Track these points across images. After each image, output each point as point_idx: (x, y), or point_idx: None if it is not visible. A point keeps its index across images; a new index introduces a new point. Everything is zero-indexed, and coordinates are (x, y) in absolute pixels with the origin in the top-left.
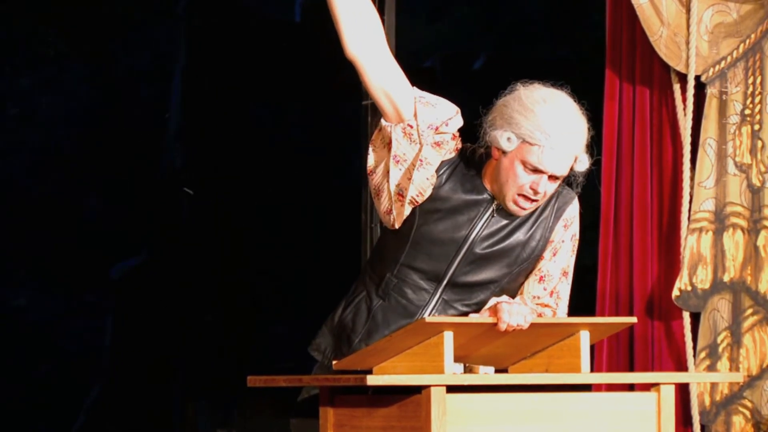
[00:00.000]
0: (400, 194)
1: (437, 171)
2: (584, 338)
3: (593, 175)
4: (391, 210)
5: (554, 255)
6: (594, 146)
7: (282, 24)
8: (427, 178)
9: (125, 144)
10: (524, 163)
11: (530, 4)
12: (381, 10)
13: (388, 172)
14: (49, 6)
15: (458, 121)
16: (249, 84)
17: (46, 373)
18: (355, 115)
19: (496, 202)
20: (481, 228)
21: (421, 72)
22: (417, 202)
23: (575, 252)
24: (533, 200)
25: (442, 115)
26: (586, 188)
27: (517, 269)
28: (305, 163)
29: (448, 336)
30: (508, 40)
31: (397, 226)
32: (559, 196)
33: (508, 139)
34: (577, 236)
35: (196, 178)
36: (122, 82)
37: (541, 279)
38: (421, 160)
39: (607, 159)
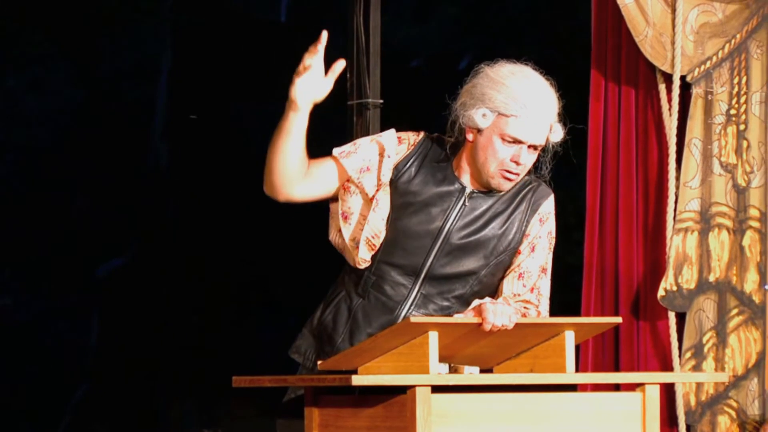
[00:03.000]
0: (355, 242)
1: (404, 165)
2: (569, 338)
3: (579, 174)
4: (353, 255)
5: (532, 251)
6: (566, 116)
7: (268, 24)
8: (383, 219)
9: (111, 143)
10: (502, 137)
11: (516, 5)
12: (366, 10)
13: (340, 230)
14: (34, 6)
15: (389, 137)
16: (235, 84)
17: (31, 373)
18: (341, 115)
19: (468, 191)
20: (455, 218)
21: (407, 72)
22: (374, 245)
23: (552, 250)
24: (515, 173)
25: (367, 152)
26: (572, 188)
27: (494, 261)
28: None
29: (433, 336)
30: (493, 40)
31: (362, 266)
32: (535, 190)
33: (483, 115)
34: (554, 234)
35: (182, 177)
36: (108, 82)
37: (520, 276)
38: (377, 200)
39: (593, 159)
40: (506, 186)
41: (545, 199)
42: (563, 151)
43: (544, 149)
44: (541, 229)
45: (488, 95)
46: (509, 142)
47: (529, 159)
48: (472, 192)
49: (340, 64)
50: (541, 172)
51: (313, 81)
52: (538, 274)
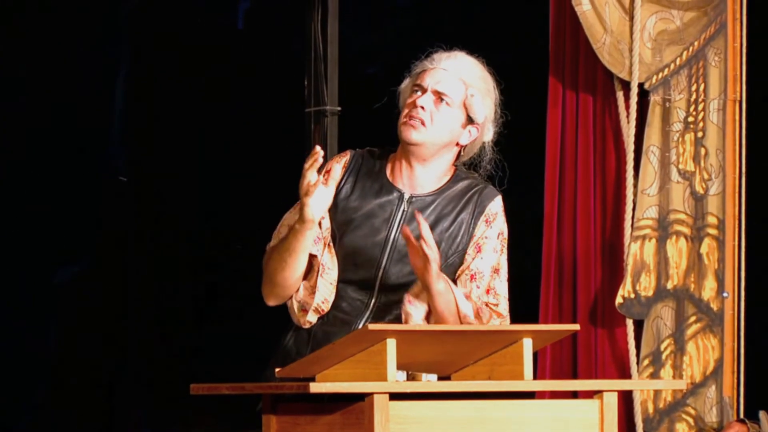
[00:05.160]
0: (304, 309)
1: (341, 185)
2: (527, 345)
3: (536, 181)
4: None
5: (479, 252)
6: (506, 113)
7: (225, 30)
8: (331, 283)
9: (68, 149)
10: (411, 89)
11: (473, 12)
12: (324, 18)
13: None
14: None
15: (311, 174)
16: (192, 90)
17: None
18: (298, 122)
19: (407, 197)
20: (399, 226)
21: (364, 79)
22: (323, 310)
23: (505, 251)
24: (417, 117)
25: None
26: (530, 195)
27: (443, 263)
28: (249, 170)
29: (391, 343)
30: (450, 46)
31: (305, 327)
32: (481, 192)
33: (405, 83)
34: (505, 235)
35: (140, 182)
36: (64, 87)
37: (472, 277)
38: (322, 265)
39: (551, 166)
40: (410, 134)
41: (491, 200)
42: (520, 157)
43: (482, 150)
44: (487, 229)
45: (411, 69)
46: (415, 91)
47: (431, 105)
48: (411, 197)
49: (334, 176)
50: (479, 170)
51: (319, 194)
52: (491, 274)
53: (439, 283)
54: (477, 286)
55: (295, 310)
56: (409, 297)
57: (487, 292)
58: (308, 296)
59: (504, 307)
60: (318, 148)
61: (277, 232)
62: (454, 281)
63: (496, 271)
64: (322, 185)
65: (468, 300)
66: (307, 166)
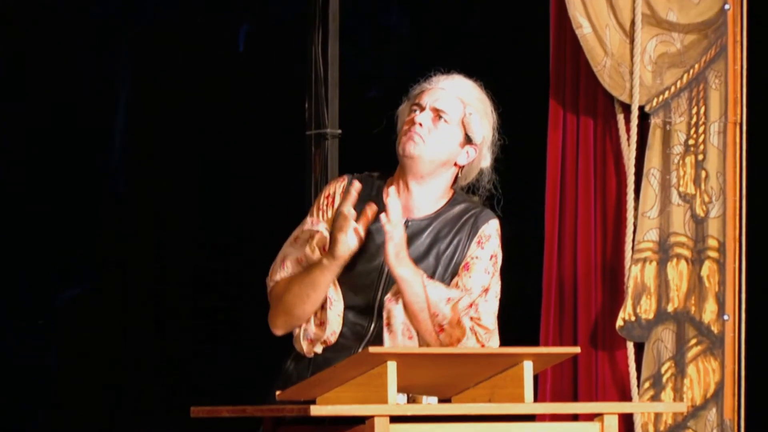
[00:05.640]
0: (311, 340)
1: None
2: (528, 368)
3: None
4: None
5: (467, 270)
6: (503, 137)
7: (226, 53)
8: (338, 315)
9: (69, 171)
10: (409, 108)
11: (473, 33)
12: (324, 40)
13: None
14: None
15: (318, 209)
16: (193, 113)
17: None
18: (299, 145)
19: (402, 221)
20: None
21: (365, 102)
22: (330, 341)
23: (497, 275)
24: (415, 133)
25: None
26: (530, 217)
27: None
28: (250, 193)
29: (392, 366)
30: (450, 69)
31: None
32: (477, 216)
33: (403, 105)
34: (499, 259)
35: (140, 205)
36: (66, 111)
37: None
38: (329, 298)
39: (551, 189)
40: (408, 147)
41: (486, 222)
42: (521, 180)
43: (481, 175)
44: (478, 250)
45: (409, 92)
46: (413, 110)
47: (429, 121)
48: (407, 221)
49: (372, 209)
50: (479, 193)
51: (352, 231)
52: (480, 293)
53: (400, 267)
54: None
55: (302, 339)
56: (390, 295)
57: (470, 306)
58: (318, 328)
59: (489, 321)
60: (357, 183)
61: (281, 265)
62: None
63: (486, 291)
64: (353, 221)
65: (448, 304)
66: (343, 202)
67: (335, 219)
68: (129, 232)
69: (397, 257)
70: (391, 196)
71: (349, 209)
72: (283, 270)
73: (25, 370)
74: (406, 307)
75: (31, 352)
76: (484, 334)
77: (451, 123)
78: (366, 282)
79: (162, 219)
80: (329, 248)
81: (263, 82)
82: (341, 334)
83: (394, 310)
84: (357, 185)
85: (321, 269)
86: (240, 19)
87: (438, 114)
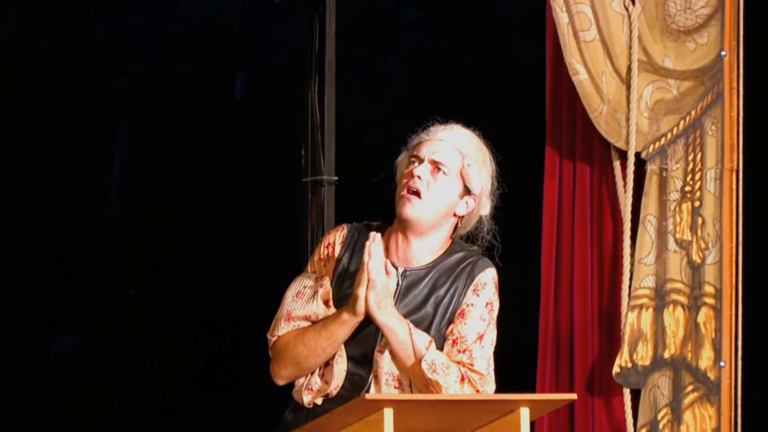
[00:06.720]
0: (312, 390)
1: (338, 261)
2: (524, 415)
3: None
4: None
5: (462, 317)
6: (502, 185)
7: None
8: (344, 370)
9: (65, 217)
10: (408, 159)
11: (470, 81)
12: (321, 87)
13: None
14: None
15: (318, 258)
16: (190, 160)
17: None
18: (296, 192)
19: (401, 271)
20: (394, 300)
21: (361, 148)
22: (333, 394)
23: (493, 323)
24: (414, 188)
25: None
26: (527, 264)
27: (437, 335)
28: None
29: (388, 413)
30: (448, 117)
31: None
32: (474, 264)
33: (402, 156)
34: (495, 307)
35: (137, 251)
36: (61, 155)
37: (454, 342)
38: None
39: (548, 235)
40: (406, 210)
41: (482, 270)
42: (517, 227)
43: (480, 223)
44: (473, 297)
45: (408, 142)
46: (412, 162)
47: (428, 175)
48: (405, 271)
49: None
50: (479, 242)
51: (372, 287)
52: (474, 340)
53: (382, 316)
54: (458, 350)
55: (303, 390)
56: (380, 346)
57: (463, 351)
58: (322, 383)
59: (482, 366)
60: (378, 236)
61: (285, 320)
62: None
63: (481, 338)
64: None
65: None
66: (367, 259)
67: (358, 277)
68: (126, 282)
69: (379, 305)
70: (376, 241)
71: (374, 265)
72: (288, 325)
73: (22, 418)
74: (394, 355)
75: (28, 398)
76: (478, 380)
77: (450, 175)
78: (363, 333)
79: (160, 268)
80: (350, 303)
81: (260, 128)
82: (342, 386)
83: (380, 360)
84: (377, 237)
85: (340, 324)
86: (237, 66)
87: (436, 166)
